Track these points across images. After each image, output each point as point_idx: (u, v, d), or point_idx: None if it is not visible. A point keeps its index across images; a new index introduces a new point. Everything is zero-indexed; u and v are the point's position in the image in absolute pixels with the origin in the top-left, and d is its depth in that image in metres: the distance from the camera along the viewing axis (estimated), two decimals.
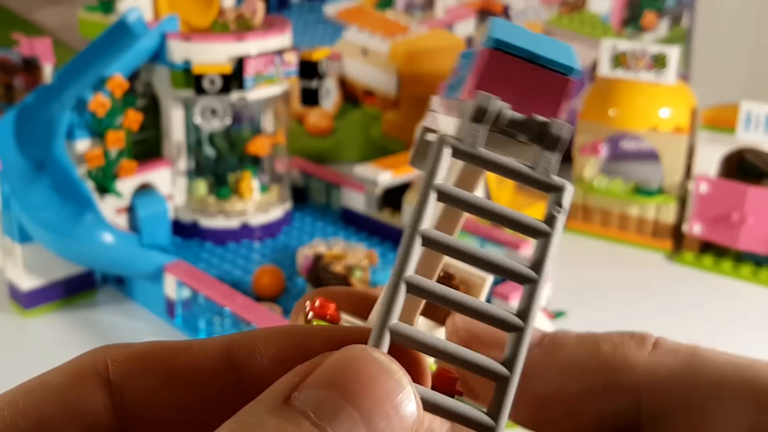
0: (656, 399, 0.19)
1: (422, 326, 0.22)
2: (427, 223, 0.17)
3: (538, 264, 0.17)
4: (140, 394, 0.18)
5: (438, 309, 0.22)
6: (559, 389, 0.20)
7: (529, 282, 0.17)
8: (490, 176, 0.97)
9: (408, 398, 0.16)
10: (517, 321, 0.17)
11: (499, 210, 0.17)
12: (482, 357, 0.17)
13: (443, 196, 0.17)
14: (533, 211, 0.99)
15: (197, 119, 0.85)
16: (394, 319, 0.16)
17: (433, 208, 0.17)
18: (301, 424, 0.15)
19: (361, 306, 0.23)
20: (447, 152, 0.17)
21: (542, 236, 0.17)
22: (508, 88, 0.18)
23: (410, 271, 0.16)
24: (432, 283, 0.17)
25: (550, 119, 0.17)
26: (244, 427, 0.15)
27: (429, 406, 0.16)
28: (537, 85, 0.18)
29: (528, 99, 0.18)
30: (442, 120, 0.19)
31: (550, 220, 0.17)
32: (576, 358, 0.20)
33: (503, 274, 0.17)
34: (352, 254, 0.75)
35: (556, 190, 0.17)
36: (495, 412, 0.16)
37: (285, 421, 0.15)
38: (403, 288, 0.16)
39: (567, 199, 0.17)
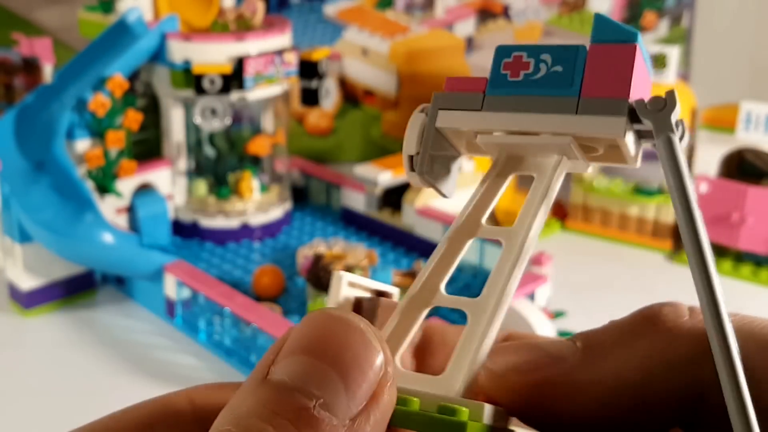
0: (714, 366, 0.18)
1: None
2: None
3: None
4: None
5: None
6: (615, 388, 0.19)
7: None
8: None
9: (369, 344, 0.17)
10: None
11: None
12: None
13: None
14: None
15: (197, 119, 0.85)
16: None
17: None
18: (281, 391, 0.16)
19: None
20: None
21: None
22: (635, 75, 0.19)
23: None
24: None
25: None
26: (232, 412, 0.16)
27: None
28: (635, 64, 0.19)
29: (641, 78, 0.19)
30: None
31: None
32: (620, 356, 0.19)
33: None
34: (352, 254, 0.75)
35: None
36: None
37: (267, 393, 0.16)
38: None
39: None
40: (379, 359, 0.17)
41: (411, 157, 0.20)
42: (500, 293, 0.19)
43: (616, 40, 0.19)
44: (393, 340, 0.20)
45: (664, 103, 0.19)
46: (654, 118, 0.19)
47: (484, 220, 0.21)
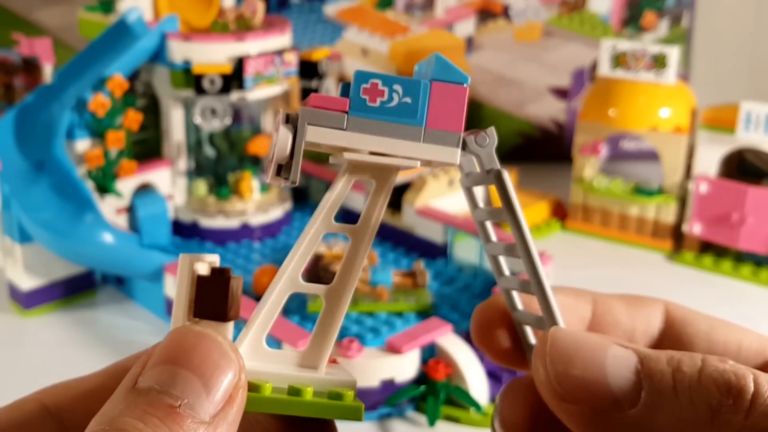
0: None
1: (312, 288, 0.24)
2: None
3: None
4: None
5: (325, 274, 0.26)
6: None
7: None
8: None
9: (226, 354, 0.20)
10: None
11: None
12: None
13: None
14: (533, 210, 0.99)
15: (197, 119, 0.85)
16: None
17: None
18: (150, 394, 0.19)
19: None
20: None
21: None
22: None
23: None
24: None
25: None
26: (104, 416, 0.18)
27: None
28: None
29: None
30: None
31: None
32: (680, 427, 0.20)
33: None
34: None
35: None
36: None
37: (137, 397, 0.19)
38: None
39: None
40: (234, 367, 0.20)
41: (279, 165, 0.23)
42: (351, 280, 0.23)
43: (451, 80, 0.23)
44: (265, 320, 0.23)
45: (487, 139, 0.24)
46: (481, 152, 0.24)
47: (333, 218, 0.24)
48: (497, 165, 0.24)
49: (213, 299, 0.22)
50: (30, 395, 0.23)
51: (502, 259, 0.26)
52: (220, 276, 0.22)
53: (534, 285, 0.23)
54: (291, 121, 0.22)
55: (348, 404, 0.22)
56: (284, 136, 0.22)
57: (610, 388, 0.20)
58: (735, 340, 0.23)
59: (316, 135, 0.22)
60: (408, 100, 0.22)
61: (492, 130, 0.24)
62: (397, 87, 0.22)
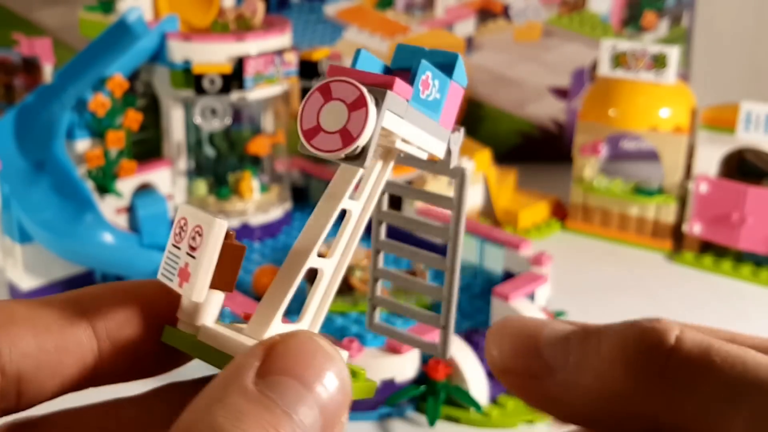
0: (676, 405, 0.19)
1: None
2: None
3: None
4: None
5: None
6: (594, 410, 0.20)
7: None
8: (490, 177, 0.97)
9: (344, 376, 0.19)
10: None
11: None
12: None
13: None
14: (533, 210, 0.99)
15: (197, 119, 0.85)
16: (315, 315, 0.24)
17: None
18: (275, 411, 0.18)
19: None
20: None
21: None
22: None
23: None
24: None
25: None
26: (229, 412, 0.18)
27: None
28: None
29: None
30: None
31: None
32: (599, 382, 0.20)
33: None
34: (352, 254, 0.75)
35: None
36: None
37: (262, 410, 0.18)
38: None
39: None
40: (349, 400, 0.19)
41: (363, 147, 0.21)
42: (340, 255, 0.24)
43: (461, 84, 0.23)
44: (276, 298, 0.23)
45: (460, 138, 0.24)
46: (454, 148, 0.24)
47: (347, 194, 0.23)
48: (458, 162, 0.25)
49: (226, 269, 0.22)
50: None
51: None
52: (235, 246, 0.22)
53: (447, 284, 0.25)
54: (377, 103, 0.21)
55: (363, 383, 0.22)
56: (374, 117, 0.21)
57: (542, 355, 0.21)
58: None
59: (388, 121, 0.21)
60: (438, 95, 0.23)
61: (462, 129, 0.24)
62: (436, 82, 0.23)
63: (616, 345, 0.20)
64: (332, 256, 0.24)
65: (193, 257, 0.22)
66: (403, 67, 0.23)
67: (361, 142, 0.21)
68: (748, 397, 0.17)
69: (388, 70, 0.23)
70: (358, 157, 0.21)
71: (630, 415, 0.19)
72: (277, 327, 0.22)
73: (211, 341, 0.22)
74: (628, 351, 0.19)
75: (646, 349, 0.19)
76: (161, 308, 0.23)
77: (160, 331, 0.23)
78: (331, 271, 0.24)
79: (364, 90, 0.21)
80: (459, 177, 0.24)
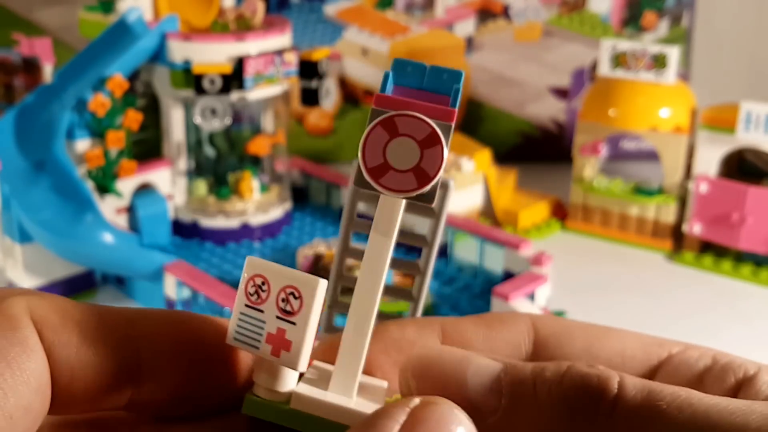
0: None
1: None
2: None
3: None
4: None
5: None
6: None
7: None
8: (490, 177, 0.97)
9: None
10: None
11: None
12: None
13: None
14: (533, 210, 0.99)
15: (197, 119, 0.85)
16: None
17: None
18: None
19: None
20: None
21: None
22: None
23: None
24: None
25: None
26: None
27: None
28: None
29: None
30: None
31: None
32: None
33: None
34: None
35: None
36: None
37: None
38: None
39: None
40: None
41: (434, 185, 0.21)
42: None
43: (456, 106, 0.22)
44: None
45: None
46: None
47: (396, 229, 0.22)
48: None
49: None
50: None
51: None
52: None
53: (417, 285, 0.25)
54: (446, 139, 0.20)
55: None
56: (446, 154, 0.20)
57: (469, 396, 0.19)
58: (617, 352, 0.22)
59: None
60: None
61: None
62: None
63: (556, 394, 0.19)
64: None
65: (291, 323, 0.20)
66: (414, 86, 0.21)
67: (436, 180, 0.20)
68: None
69: (423, 91, 0.21)
70: (426, 194, 0.20)
71: None
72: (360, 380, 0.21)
73: (313, 409, 0.20)
74: (569, 401, 0.18)
75: (589, 399, 0.18)
76: (207, 348, 0.21)
77: (202, 370, 0.21)
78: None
79: (436, 127, 0.20)
80: (443, 189, 0.24)
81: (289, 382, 0.20)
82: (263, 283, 0.20)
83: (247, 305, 0.20)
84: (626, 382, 0.18)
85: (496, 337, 0.22)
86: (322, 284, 0.20)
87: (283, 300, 0.20)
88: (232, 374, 0.21)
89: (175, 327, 0.22)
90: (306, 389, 0.20)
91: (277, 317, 0.20)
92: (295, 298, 0.20)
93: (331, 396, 0.20)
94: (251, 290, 0.20)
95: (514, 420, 0.19)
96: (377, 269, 0.21)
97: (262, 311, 0.20)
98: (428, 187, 0.20)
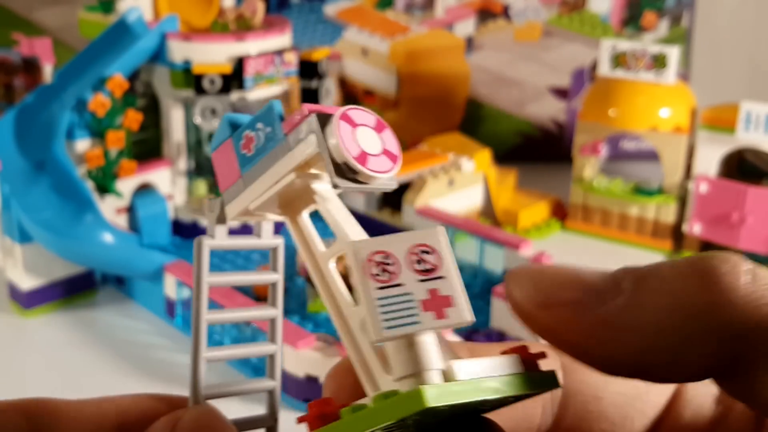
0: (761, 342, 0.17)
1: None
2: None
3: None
4: None
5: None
6: (655, 341, 0.18)
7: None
8: (490, 177, 0.97)
9: None
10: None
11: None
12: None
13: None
14: (533, 210, 0.99)
15: (197, 119, 0.85)
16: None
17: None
18: None
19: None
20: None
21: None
22: None
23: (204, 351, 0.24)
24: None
25: None
26: None
27: None
28: None
29: None
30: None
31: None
32: (665, 308, 0.18)
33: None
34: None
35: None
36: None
37: None
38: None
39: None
40: None
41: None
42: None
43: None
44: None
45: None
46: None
47: (322, 247, 0.23)
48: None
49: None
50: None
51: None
52: None
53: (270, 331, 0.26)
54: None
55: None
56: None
57: (588, 282, 0.19)
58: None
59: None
60: (268, 129, 0.23)
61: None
62: (259, 125, 0.23)
63: (682, 265, 0.18)
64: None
65: (439, 278, 0.19)
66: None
67: (400, 160, 0.22)
68: None
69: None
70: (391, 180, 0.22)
71: (714, 329, 0.17)
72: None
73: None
74: (700, 270, 0.18)
75: (723, 268, 0.17)
76: None
77: None
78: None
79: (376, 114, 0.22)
80: (274, 249, 0.26)
81: (441, 361, 0.19)
82: (386, 257, 0.19)
83: (379, 288, 0.18)
84: (759, 269, 0.18)
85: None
86: (441, 228, 0.20)
87: (418, 262, 0.19)
88: None
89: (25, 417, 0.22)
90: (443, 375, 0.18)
91: (421, 281, 0.19)
92: (429, 253, 0.19)
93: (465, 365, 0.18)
94: (375, 271, 0.19)
95: (644, 295, 0.18)
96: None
97: (401, 284, 0.18)
98: (398, 165, 0.21)
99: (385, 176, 0.21)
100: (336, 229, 0.22)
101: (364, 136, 0.21)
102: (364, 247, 0.19)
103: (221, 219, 0.26)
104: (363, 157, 0.21)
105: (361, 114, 0.21)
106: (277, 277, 0.26)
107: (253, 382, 0.25)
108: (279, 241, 0.25)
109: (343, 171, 0.21)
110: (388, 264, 0.19)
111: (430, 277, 0.19)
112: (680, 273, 0.18)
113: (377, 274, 0.19)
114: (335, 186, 0.21)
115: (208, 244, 0.26)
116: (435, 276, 0.19)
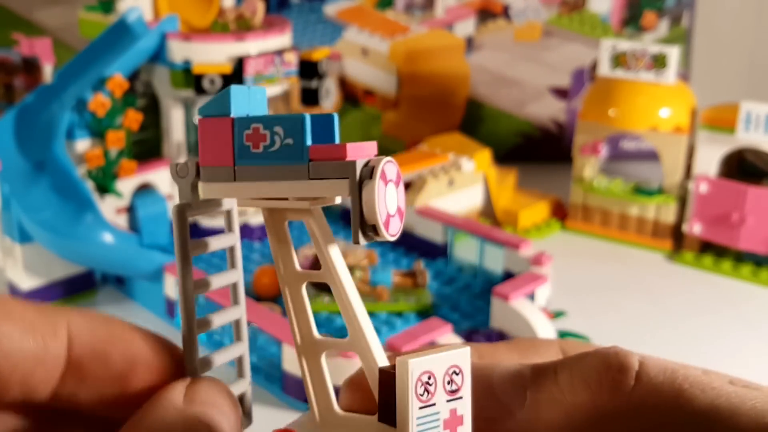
0: None
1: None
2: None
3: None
4: None
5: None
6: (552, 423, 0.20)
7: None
8: (490, 177, 0.97)
9: None
10: None
11: None
12: None
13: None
14: (533, 210, 0.99)
15: (197, 119, 0.85)
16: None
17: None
18: None
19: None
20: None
21: None
22: None
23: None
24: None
25: None
26: None
27: None
28: None
29: None
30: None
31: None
32: (569, 408, 0.19)
33: None
34: (352, 254, 0.75)
35: None
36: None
37: None
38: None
39: None
40: None
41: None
42: (362, 331, 0.22)
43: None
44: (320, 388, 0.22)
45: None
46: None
47: (298, 267, 0.23)
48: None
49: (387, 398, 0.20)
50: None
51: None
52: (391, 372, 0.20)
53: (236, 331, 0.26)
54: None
55: None
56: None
57: (498, 396, 0.20)
58: None
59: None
60: (290, 141, 0.21)
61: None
62: (278, 129, 0.22)
63: (577, 373, 0.19)
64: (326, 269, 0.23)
65: (458, 398, 0.20)
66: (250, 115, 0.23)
67: (404, 216, 0.21)
68: (728, 422, 0.17)
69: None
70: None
71: None
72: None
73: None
74: (591, 379, 0.19)
75: (611, 373, 0.19)
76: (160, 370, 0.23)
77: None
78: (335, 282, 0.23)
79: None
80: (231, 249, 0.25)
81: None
82: (429, 378, 0.20)
83: (421, 407, 0.19)
84: (648, 361, 0.19)
85: (529, 360, 0.23)
86: (468, 348, 0.20)
87: (449, 382, 0.20)
88: (158, 382, 0.22)
89: (106, 329, 0.22)
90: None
91: (447, 401, 0.20)
92: (457, 374, 0.20)
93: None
94: (420, 391, 0.19)
95: (542, 409, 0.19)
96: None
97: (434, 404, 0.19)
98: (402, 224, 0.21)
99: (395, 238, 0.21)
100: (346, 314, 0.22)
101: (389, 195, 0.21)
102: (420, 366, 0.19)
103: (195, 186, 0.24)
104: (387, 220, 0.21)
105: (392, 168, 0.21)
106: (237, 276, 0.25)
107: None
108: (235, 241, 0.25)
109: (366, 229, 0.21)
110: (429, 384, 0.20)
111: (454, 397, 0.20)
112: (573, 382, 0.19)
113: (421, 394, 0.19)
114: (356, 242, 0.21)
115: (188, 213, 0.24)
116: (457, 396, 0.20)
